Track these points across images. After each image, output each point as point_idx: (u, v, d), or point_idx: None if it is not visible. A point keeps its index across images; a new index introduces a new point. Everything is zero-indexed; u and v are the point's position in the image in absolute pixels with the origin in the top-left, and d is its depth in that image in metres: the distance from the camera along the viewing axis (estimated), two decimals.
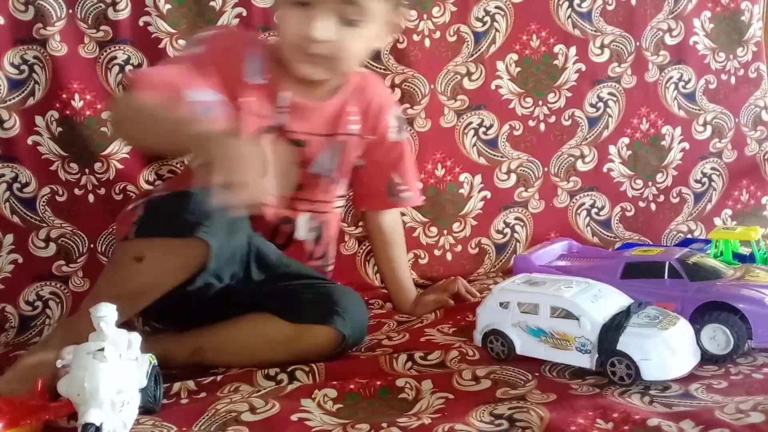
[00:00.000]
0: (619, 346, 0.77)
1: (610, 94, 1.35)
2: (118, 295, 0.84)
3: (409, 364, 0.89)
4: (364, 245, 1.27)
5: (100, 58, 1.17)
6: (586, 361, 0.80)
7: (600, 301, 0.82)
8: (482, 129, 1.31)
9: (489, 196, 1.32)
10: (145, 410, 0.75)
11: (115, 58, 1.17)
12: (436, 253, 1.30)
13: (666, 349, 0.76)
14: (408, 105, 1.28)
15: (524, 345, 0.84)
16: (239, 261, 0.90)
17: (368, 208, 1.15)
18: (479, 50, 1.30)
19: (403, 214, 1.28)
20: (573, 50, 1.33)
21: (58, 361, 0.69)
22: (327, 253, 1.09)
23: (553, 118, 1.33)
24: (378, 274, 1.26)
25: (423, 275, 1.29)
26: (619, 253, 1.07)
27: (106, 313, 0.70)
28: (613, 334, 0.77)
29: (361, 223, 1.24)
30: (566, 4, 1.32)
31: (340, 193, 1.09)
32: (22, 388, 0.79)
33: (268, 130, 0.98)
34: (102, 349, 0.68)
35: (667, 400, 0.73)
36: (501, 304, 0.87)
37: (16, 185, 1.15)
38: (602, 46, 1.34)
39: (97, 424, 0.64)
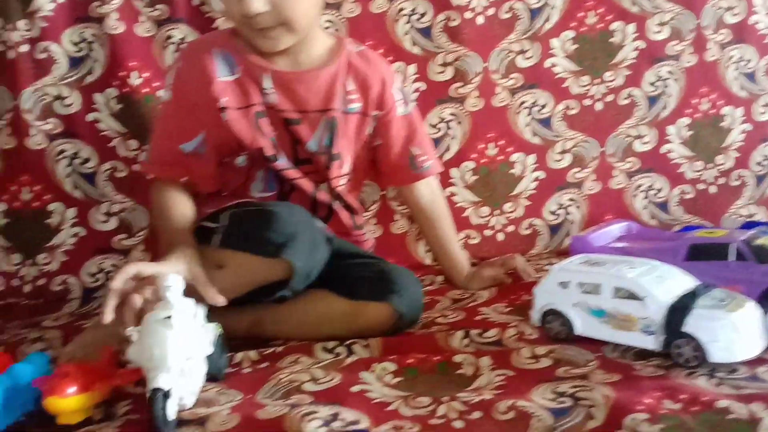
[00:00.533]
0: (686, 328, 0.75)
1: (669, 72, 1.31)
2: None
3: (466, 341, 0.88)
4: (415, 224, 1.26)
5: (156, 37, 1.19)
6: (650, 343, 0.78)
7: (665, 282, 0.80)
8: (536, 108, 1.29)
9: (542, 176, 1.30)
10: (211, 378, 0.77)
11: (170, 36, 1.19)
12: (487, 233, 1.29)
13: (734, 331, 0.74)
14: (460, 83, 1.26)
15: (584, 325, 0.83)
16: (317, 272, 0.91)
17: (395, 184, 1.15)
18: (534, 27, 1.28)
19: (453, 194, 1.27)
20: (631, 27, 1.29)
21: (128, 329, 0.71)
22: (360, 222, 1.10)
23: (610, 97, 1.30)
24: (429, 252, 1.25)
25: (474, 255, 1.27)
26: (682, 235, 1.05)
27: (173, 283, 0.72)
28: (680, 316, 0.75)
29: None
30: None
31: (345, 170, 1.06)
32: (90, 355, 0.82)
33: (259, 115, 0.98)
34: (169, 317, 0.69)
35: (735, 382, 0.71)
36: (560, 283, 0.86)
37: (77, 161, 1.18)
38: (661, 24, 1.30)
39: (166, 390, 0.66)
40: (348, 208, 1.07)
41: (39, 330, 1.03)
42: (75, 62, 1.17)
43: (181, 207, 0.96)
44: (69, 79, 1.17)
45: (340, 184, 1.05)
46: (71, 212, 1.18)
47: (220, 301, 0.82)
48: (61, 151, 1.17)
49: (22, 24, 1.15)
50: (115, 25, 1.16)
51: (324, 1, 1.03)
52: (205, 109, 0.96)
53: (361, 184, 1.14)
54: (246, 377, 0.81)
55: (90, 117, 1.18)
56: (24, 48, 1.15)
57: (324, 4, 1.04)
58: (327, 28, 1.22)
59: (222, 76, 0.97)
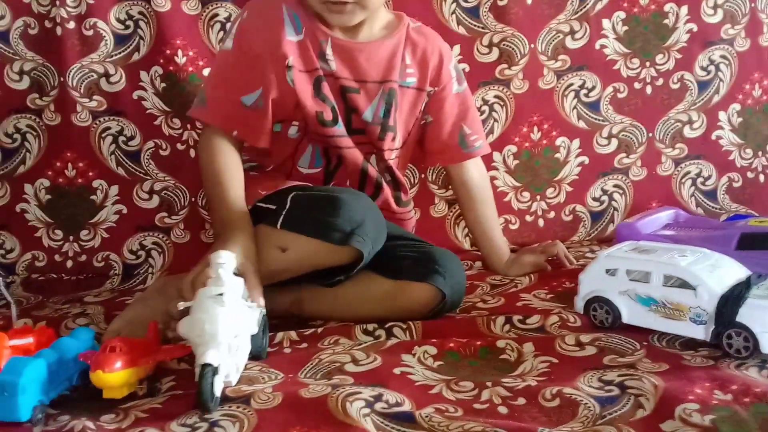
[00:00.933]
0: (739, 318, 0.73)
1: (722, 57, 1.27)
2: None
3: (507, 326, 0.88)
4: (454, 208, 1.25)
5: (202, 15, 1.19)
6: (701, 332, 0.76)
7: (717, 271, 0.78)
8: (583, 91, 1.26)
9: (587, 161, 1.27)
10: (253, 356, 0.77)
11: (216, 15, 1.19)
12: (528, 219, 1.27)
13: None
14: (506, 65, 1.24)
15: (632, 314, 0.81)
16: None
17: (444, 162, 1.13)
18: (584, 8, 1.24)
19: (494, 178, 1.26)
20: (684, 9, 1.25)
21: (180, 304, 0.71)
22: (405, 199, 1.08)
23: (660, 81, 1.27)
24: (468, 237, 1.24)
25: (513, 241, 1.25)
26: (732, 224, 1.02)
27: (226, 260, 0.72)
28: (733, 306, 0.73)
29: (450, 186, 1.22)
30: None
31: (397, 145, 1.05)
32: (134, 332, 0.83)
33: (320, 79, 0.98)
34: (221, 294, 0.70)
35: None
36: (607, 270, 0.84)
37: (121, 138, 1.19)
38: (715, 6, 1.26)
39: (215, 366, 0.66)
40: (395, 183, 1.06)
41: (81, 305, 1.05)
42: (121, 39, 1.18)
43: (234, 170, 0.95)
44: (115, 57, 1.18)
45: (392, 157, 1.04)
46: (114, 189, 1.19)
47: (261, 303, 0.81)
48: (106, 129, 1.18)
49: (69, 0, 1.15)
50: (162, 3, 1.17)
51: None
52: (271, 65, 0.96)
53: (407, 162, 1.13)
54: (287, 357, 0.81)
55: (135, 95, 1.18)
56: (71, 25, 1.16)
57: None
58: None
59: (289, 35, 0.97)
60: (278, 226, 0.87)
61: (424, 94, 1.05)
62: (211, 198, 0.97)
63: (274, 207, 0.90)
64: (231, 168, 0.95)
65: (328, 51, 0.98)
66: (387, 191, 1.05)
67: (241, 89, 0.96)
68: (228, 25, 1.15)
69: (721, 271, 0.79)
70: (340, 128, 0.99)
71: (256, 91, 0.96)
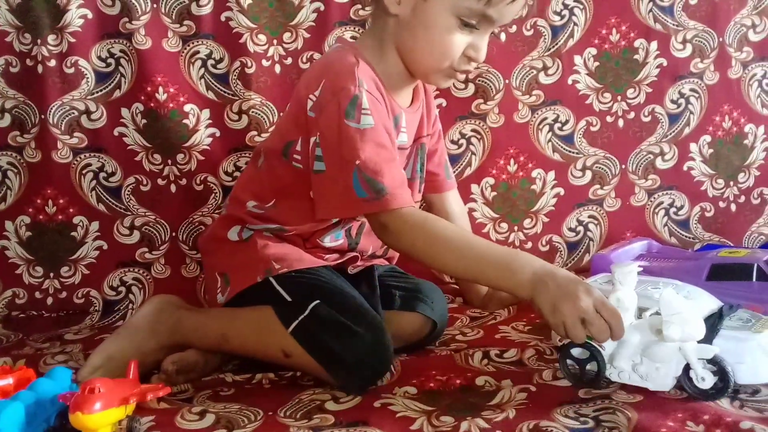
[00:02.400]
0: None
1: (692, 90, 1.31)
2: (243, 349, 0.90)
3: (485, 360, 0.89)
4: None
5: (183, 52, 1.20)
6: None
7: (691, 302, 0.80)
8: (557, 125, 1.29)
9: (562, 192, 1.30)
10: None
11: (197, 52, 1.20)
12: None
13: (761, 352, 0.74)
14: (481, 100, 1.27)
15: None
16: None
17: (434, 191, 1.13)
18: (557, 44, 1.28)
19: (473, 210, 1.28)
20: (654, 45, 1.29)
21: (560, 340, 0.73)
22: None
23: (632, 114, 1.30)
24: None
25: None
26: (704, 254, 1.04)
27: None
28: (707, 337, 0.75)
29: None
30: None
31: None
32: (113, 368, 0.84)
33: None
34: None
35: (758, 404, 0.71)
36: None
37: (102, 174, 1.20)
38: (684, 41, 1.30)
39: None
40: None
41: (61, 344, 1.05)
42: (102, 77, 1.19)
43: (457, 229, 0.89)
44: (96, 94, 1.19)
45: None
46: (95, 225, 1.20)
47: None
48: (87, 165, 1.19)
49: (51, 39, 1.17)
50: (143, 41, 1.18)
51: None
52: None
53: None
54: (267, 394, 0.81)
55: (116, 131, 1.19)
56: (52, 63, 1.17)
57: None
58: None
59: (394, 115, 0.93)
60: (289, 330, 0.84)
61: (429, 137, 1.05)
62: (479, 261, 0.82)
63: (289, 299, 0.86)
64: (455, 229, 0.89)
65: (403, 123, 0.94)
66: None
67: (397, 161, 0.88)
68: (314, 103, 0.88)
69: (693, 303, 0.80)
70: None
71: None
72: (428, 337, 0.96)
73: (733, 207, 1.33)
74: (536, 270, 0.78)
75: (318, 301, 0.84)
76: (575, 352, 0.79)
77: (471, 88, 1.26)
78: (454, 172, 1.26)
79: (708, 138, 1.32)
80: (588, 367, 0.78)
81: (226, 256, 0.95)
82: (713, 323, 0.76)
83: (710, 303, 0.82)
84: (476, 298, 1.14)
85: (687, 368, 0.74)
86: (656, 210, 1.32)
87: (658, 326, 0.74)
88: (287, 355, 0.85)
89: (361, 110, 0.84)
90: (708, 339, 0.75)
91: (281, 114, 1.20)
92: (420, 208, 1.06)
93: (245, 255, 0.92)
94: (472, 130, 1.27)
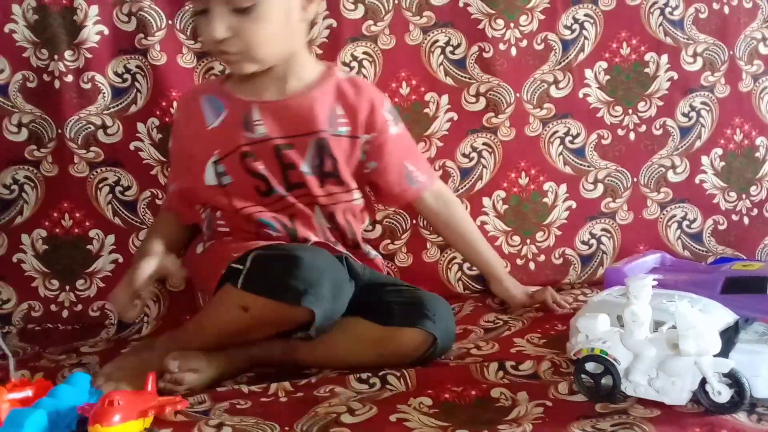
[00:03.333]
0: None
1: (702, 103, 1.32)
2: (220, 333, 0.92)
3: (501, 373, 0.89)
4: (446, 252, 1.27)
5: (197, 68, 1.22)
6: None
7: (706, 315, 0.80)
8: (568, 138, 1.30)
9: (574, 206, 1.30)
10: None
11: (212, 68, 1.22)
12: (519, 262, 1.29)
13: None
14: (492, 114, 1.27)
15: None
16: (340, 313, 0.92)
17: (400, 202, 1.15)
18: (567, 58, 1.29)
19: (485, 223, 1.28)
20: (665, 58, 1.30)
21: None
22: (357, 240, 1.08)
23: (643, 128, 1.31)
24: (460, 281, 1.26)
25: None
26: (717, 268, 1.04)
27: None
28: (723, 351, 0.75)
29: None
30: (657, 11, 1.29)
31: (343, 189, 1.05)
32: (126, 378, 0.86)
33: (246, 155, 1.00)
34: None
35: None
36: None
37: (118, 188, 1.21)
38: (695, 55, 1.31)
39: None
40: (339, 229, 1.05)
41: (77, 356, 1.06)
42: (119, 92, 1.20)
43: (158, 225, 1.10)
44: (113, 109, 1.20)
45: (337, 201, 1.04)
46: (110, 239, 1.21)
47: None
48: (103, 179, 1.20)
49: (68, 55, 1.18)
50: (158, 56, 1.20)
51: (304, 30, 1.04)
52: (200, 159, 1.02)
53: (365, 210, 1.10)
54: (282, 407, 0.81)
55: (132, 146, 1.21)
56: (69, 78, 1.19)
57: (304, 33, 1.05)
58: (362, 59, 1.24)
59: (210, 123, 1.02)
60: (239, 285, 0.88)
61: (359, 141, 1.05)
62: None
63: (240, 267, 0.90)
64: (155, 227, 1.09)
65: (256, 117, 1.01)
66: (333, 235, 1.05)
67: (170, 178, 1.10)
68: None
69: (709, 316, 0.80)
70: (276, 193, 1.01)
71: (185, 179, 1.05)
72: (431, 352, 0.93)
73: (746, 220, 1.33)
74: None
75: (256, 251, 0.90)
76: (589, 366, 0.79)
77: (482, 101, 1.27)
78: (465, 185, 1.28)
79: (719, 151, 1.32)
80: (603, 381, 0.78)
81: (200, 271, 1.02)
82: (729, 337, 0.77)
83: (725, 316, 0.82)
84: (496, 284, 1.18)
85: (703, 382, 0.74)
86: (669, 223, 1.32)
87: (674, 340, 0.75)
88: (245, 308, 0.88)
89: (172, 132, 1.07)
90: (724, 353, 0.75)
91: None
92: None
93: (211, 262, 0.98)
94: (484, 144, 1.28)
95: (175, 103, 1.18)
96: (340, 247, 1.01)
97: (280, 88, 1.02)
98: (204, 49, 1.05)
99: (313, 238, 1.01)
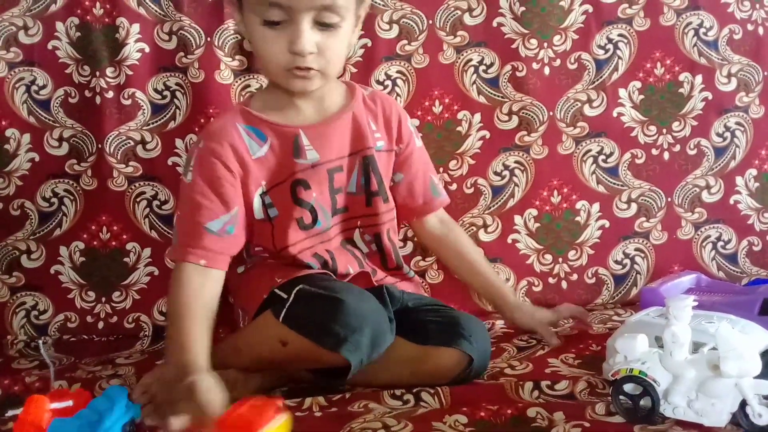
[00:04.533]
0: None
1: (737, 123, 1.31)
2: (256, 360, 0.93)
3: (536, 392, 0.88)
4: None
5: (234, 85, 1.24)
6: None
7: (746, 337, 0.79)
8: (602, 157, 1.29)
9: (607, 225, 1.29)
10: None
11: (248, 86, 1.24)
12: (551, 281, 1.29)
13: None
14: (525, 132, 1.28)
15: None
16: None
17: (423, 214, 1.13)
18: (601, 77, 1.29)
19: (516, 241, 1.28)
20: (699, 78, 1.30)
21: None
22: (401, 261, 1.08)
23: (677, 147, 1.30)
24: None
25: (537, 303, 1.27)
26: (754, 289, 1.03)
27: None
28: (763, 373, 0.74)
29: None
30: (692, 32, 1.29)
31: (387, 206, 1.06)
32: (164, 391, 0.86)
33: (294, 184, 0.97)
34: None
35: None
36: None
37: (155, 203, 1.23)
38: (729, 75, 1.30)
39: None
40: (382, 251, 1.05)
41: (113, 367, 1.07)
42: (158, 109, 1.23)
43: (199, 307, 0.90)
44: (152, 125, 1.23)
45: (383, 221, 1.04)
46: (147, 252, 1.23)
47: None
48: (141, 193, 1.22)
49: (109, 71, 1.21)
50: (197, 74, 1.22)
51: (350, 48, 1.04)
52: (247, 191, 0.96)
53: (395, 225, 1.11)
54: (317, 422, 0.82)
55: (170, 161, 1.22)
56: (110, 94, 1.21)
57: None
58: (396, 77, 1.25)
59: (254, 152, 0.97)
60: (280, 319, 0.88)
61: (393, 153, 1.07)
62: (169, 335, 0.92)
63: (285, 296, 0.89)
64: (196, 303, 0.90)
65: (305, 142, 0.98)
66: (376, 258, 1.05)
67: (206, 216, 0.93)
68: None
69: (748, 338, 0.79)
70: (319, 225, 0.99)
71: (224, 216, 0.94)
72: (466, 373, 0.93)
73: None
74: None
75: (301, 285, 0.88)
76: (628, 387, 0.79)
77: (515, 120, 1.27)
78: (497, 203, 1.28)
79: (754, 171, 1.31)
80: (642, 402, 0.78)
81: (241, 291, 1.01)
82: None
83: (765, 338, 0.81)
84: (506, 309, 1.14)
85: (743, 404, 0.73)
86: (704, 243, 1.31)
87: (714, 362, 0.74)
88: (284, 343, 0.87)
89: (188, 167, 0.96)
90: (765, 374, 0.74)
91: None
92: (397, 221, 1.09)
93: (254, 283, 0.97)
94: (516, 162, 1.28)
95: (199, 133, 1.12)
96: (379, 275, 1.02)
97: (319, 109, 1.01)
98: (269, 65, 0.95)
99: (353, 271, 1.01)
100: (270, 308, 0.90)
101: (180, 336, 0.86)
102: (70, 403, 0.81)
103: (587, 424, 0.77)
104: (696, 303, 0.77)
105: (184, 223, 0.95)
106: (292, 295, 0.88)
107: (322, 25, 0.92)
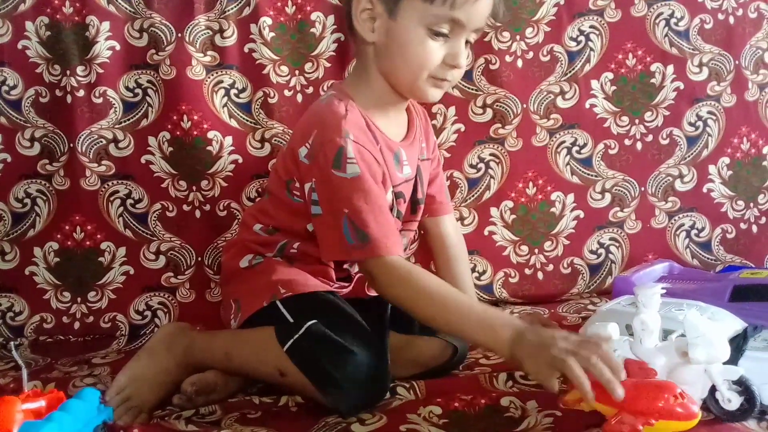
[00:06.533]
0: None
1: (709, 113, 1.32)
2: (246, 373, 0.92)
3: (510, 382, 0.89)
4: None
5: (206, 81, 1.23)
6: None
7: (715, 324, 0.80)
8: (575, 148, 1.30)
9: (582, 215, 1.30)
10: None
11: (221, 81, 1.23)
12: (527, 272, 1.30)
13: None
14: (499, 125, 1.28)
15: None
16: None
17: (434, 214, 1.13)
18: (573, 69, 1.30)
19: (493, 233, 1.29)
20: (670, 68, 1.31)
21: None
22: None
23: (650, 137, 1.31)
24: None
25: (514, 294, 1.29)
26: (725, 276, 1.04)
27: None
28: (732, 358, 0.75)
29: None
30: (663, 22, 1.30)
31: (422, 213, 1.09)
32: (141, 387, 0.87)
33: (401, 189, 0.98)
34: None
35: None
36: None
37: (129, 201, 1.22)
38: (701, 65, 1.32)
39: None
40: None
41: (89, 367, 1.06)
42: (130, 107, 1.22)
43: (448, 287, 0.87)
44: (124, 123, 1.22)
45: (416, 227, 1.08)
46: (121, 251, 1.22)
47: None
48: (114, 192, 1.22)
49: (80, 70, 1.20)
50: (168, 71, 1.21)
51: None
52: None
53: None
54: (293, 418, 0.82)
55: (143, 159, 1.22)
56: (81, 93, 1.20)
57: None
58: None
59: (397, 169, 0.97)
60: (284, 348, 0.85)
61: (430, 162, 1.09)
62: (461, 317, 0.83)
63: (291, 320, 0.87)
64: (439, 282, 0.87)
65: (404, 156, 0.98)
66: None
67: (385, 206, 0.91)
68: (308, 151, 0.93)
69: (718, 324, 0.80)
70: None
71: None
72: (449, 363, 0.95)
73: (754, 228, 1.33)
74: (516, 327, 0.78)
75: (314, 321, 0.85)
76: None
77: (489, 112, 1.28)
78: (473, 196, 1.28)
79: (727, 160, 1.33)
80: None
81: (238, 284, 0.99)
82: (738, 344, 0.77)
83: (734, 324, 0.82)
84: None
85: (713, 390, 0.74)
86: (677, 232, 1.32)
87: (683, 349, 0.75)
88: (282, 374, 0.86)
89: (346, 160, 0.88)
90: (733, 360, 0.75)
91: (278, 152, 1.20)
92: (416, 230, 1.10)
93: (254, 281, 0.96)
94: (491, 154, 1.29)
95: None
96: None
97: (402, 123, 1.02)
98: (419, 74, 0.92)
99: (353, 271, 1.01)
100: (274, 328, 0.88)
101: (474, 313, 0.82)
102: (42, 403, 0.80)
103: (559, 414, 0.78)
104: (664, 291, 0.78)
105: (366, 216, 0.87)
106: (303, 329, 0.85)
107: (466, 43, 0.94)
